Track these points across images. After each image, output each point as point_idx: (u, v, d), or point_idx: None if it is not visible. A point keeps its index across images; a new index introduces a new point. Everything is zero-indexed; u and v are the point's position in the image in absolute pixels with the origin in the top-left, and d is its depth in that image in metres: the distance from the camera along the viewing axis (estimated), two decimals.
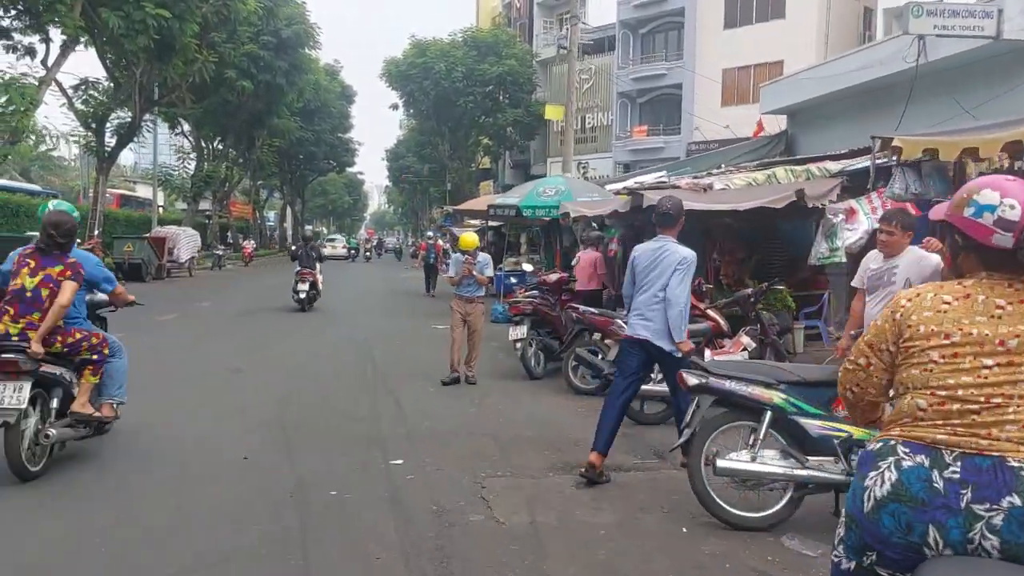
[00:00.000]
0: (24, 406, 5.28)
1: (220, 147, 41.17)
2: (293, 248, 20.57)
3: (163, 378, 9.97)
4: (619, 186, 14.43)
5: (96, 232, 27.12)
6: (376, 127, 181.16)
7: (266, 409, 8.45)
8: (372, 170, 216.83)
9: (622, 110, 41.53)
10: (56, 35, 25.59)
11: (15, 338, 5.47)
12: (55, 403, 5.80)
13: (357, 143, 65.81)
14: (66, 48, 21.60)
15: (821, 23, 35.16)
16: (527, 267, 14.89)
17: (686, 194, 10.58)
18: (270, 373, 10.75)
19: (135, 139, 28.79)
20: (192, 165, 38.54)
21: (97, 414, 6.02)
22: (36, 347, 5.44)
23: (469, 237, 10.26)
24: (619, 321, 9.16)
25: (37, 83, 20.83)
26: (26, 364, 5.36)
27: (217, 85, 35.87)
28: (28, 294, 5.61)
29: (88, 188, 43.76)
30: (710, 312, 9.63)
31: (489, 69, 43.71)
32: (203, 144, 40.21)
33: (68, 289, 5.70)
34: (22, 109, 19.36)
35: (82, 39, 24.65)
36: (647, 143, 39.56)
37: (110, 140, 28.10)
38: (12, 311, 5.57)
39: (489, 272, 10.56)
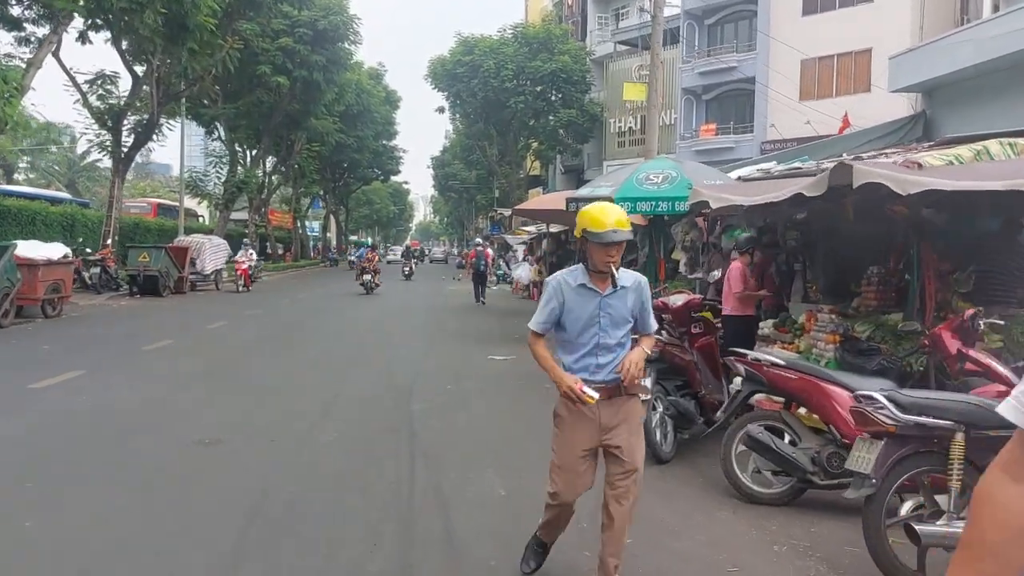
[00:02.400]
0: None
1: (256, 152, 37.79)
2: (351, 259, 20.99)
3: (92, 453, 6.15)
4: (750, 170, 10.38)
5: (109, 241, 23.76)
6: (422, 136, 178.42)
7: (220, 547, 4.54)
8: (418, 180, 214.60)
9: (687, 107, 37.31)
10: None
11: None
12: None
13: (402, 151, 62.44)
14: (58, 25, 18.20)
15: (915, 5, 30.68)
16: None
17: (897, 172, 6.46)
18: (251, 455, 6.85)
19: (154, 138, 25.43)
20: (225, 170, 35.14)
21: None
22: None
23: (608, 211, 4.02)
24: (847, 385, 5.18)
25: (24, 67, 17.45)
26: None
27: (250, 82, 32.72)
28: None
29: (131, 196, 40.99)
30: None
31: (541, 66, 39.93)
32: (237, 148, 36.94)
33: None
34: (6, 96, 15.87)
35: (89, 21, 21.36)
36: (715, 143, 35.29)
37: (127, 139, 24.72)
38: None
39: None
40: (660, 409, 6.73)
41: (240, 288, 26.33)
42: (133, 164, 35.22)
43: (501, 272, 34.33)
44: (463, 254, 53.58)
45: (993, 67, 14.36)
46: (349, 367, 11.72)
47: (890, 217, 8.39)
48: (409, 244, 78.41)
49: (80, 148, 54.53)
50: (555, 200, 15.09)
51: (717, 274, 8.21)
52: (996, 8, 18.08)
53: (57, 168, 60.54)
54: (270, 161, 45.72)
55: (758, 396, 6.40)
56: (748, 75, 34.26)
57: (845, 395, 5.35)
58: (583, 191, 10.28)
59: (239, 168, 35.28)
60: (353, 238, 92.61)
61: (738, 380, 9.95)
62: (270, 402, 8.95)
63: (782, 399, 6.02)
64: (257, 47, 30.38)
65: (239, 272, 26.74)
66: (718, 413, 7.51)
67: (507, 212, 24.64)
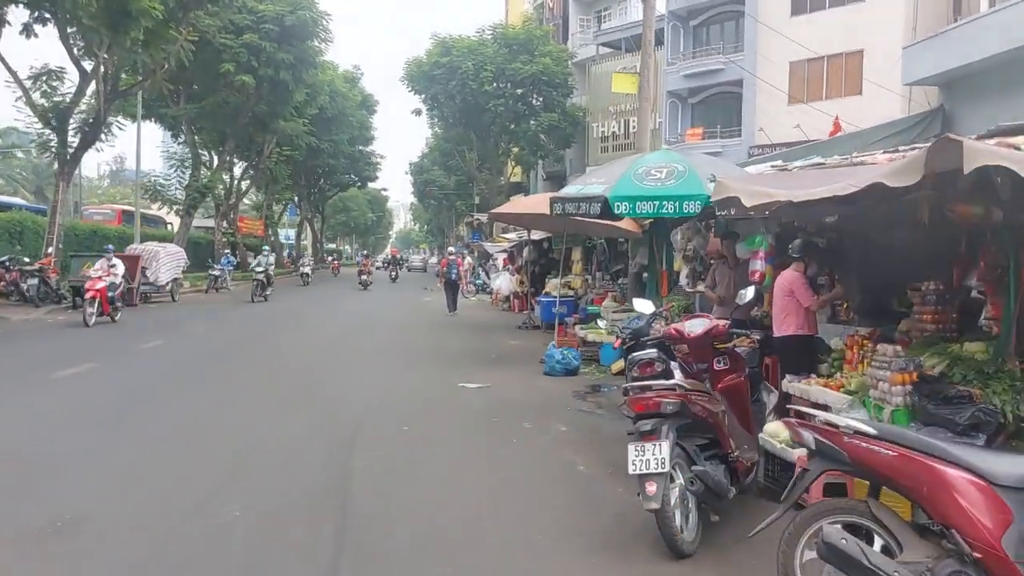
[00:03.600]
0: None
1: (221, 155, 35.63)
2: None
3: None
4: (762, 167, 8.55)
5: (50, 250, 21.62)
6: (402, 141, 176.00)
7: None
8: (397, 187, 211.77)
9: (672, 111, 35.69)
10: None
11: None
12: None
13: (379, 156, 60.45)
14: None
15: (908, 4, 29.31)
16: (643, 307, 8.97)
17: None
18: (114, 547, 4.90)
19: (102, 138, 23.29)
20: (188, 174, 32.98)
21: None
22: None
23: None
24: None
25: None
26: None
27: (214, 81, 30.66)
28: None
29: (100, 203, 38.76)
30: None
31: (521, 68, 38.17)
32: (201, 151, 34.80)
33: None
34: None
35: (35, 14, 19.33)
36: (702, 147, 33.50)
37: (74, 140, 22.59)
38: None
39: None
40: (680, 482, 4.85)
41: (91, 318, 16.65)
42: (109, 170, 33.17)
43: (480, 282, 32.40)
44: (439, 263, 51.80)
45: (1018, 56, 12.68)
46: (286, 401, 9.72)
47: (947, 220, 6.58)
48: (391, 252, 79.25)
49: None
50: (537, 203, 13.25)
51: (749, 295, 6.34)
52: (992, 4, 16.51)
53: (23, 174, 58.01)
54: (239, 166, 43.65)
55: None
56: (735, 77, 32.74)
57: (971, 481, 3.51)
58: (570, 190, 8.44)
59: (203, 172, 33.09)
60: (331, 246, 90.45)
61: (771, 397, 8.19)
62: (168, 455, 6.97)
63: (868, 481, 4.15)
64: (219, 43, 28.36)
65: (91, 294, 16.86)
66: (749, 478, 5.67)
67: (483, 217, 22.70)
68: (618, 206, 7.61)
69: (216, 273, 31.52)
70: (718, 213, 7.53)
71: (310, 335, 17.13)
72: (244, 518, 5.31)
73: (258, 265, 26.93)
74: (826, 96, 29.84)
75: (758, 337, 7.47)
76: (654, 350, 6.55)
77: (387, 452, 7.25)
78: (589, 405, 9.91)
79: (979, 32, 13.69)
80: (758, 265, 8.42)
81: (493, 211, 13.65)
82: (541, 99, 40.08)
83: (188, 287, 31.07)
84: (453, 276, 22.89)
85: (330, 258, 60.11)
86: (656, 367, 6.35)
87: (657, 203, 7.54)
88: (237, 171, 43.53)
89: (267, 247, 30.16)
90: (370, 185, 71.55)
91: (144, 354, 13.44)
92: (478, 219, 23.92)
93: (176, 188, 33.70)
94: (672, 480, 4.78)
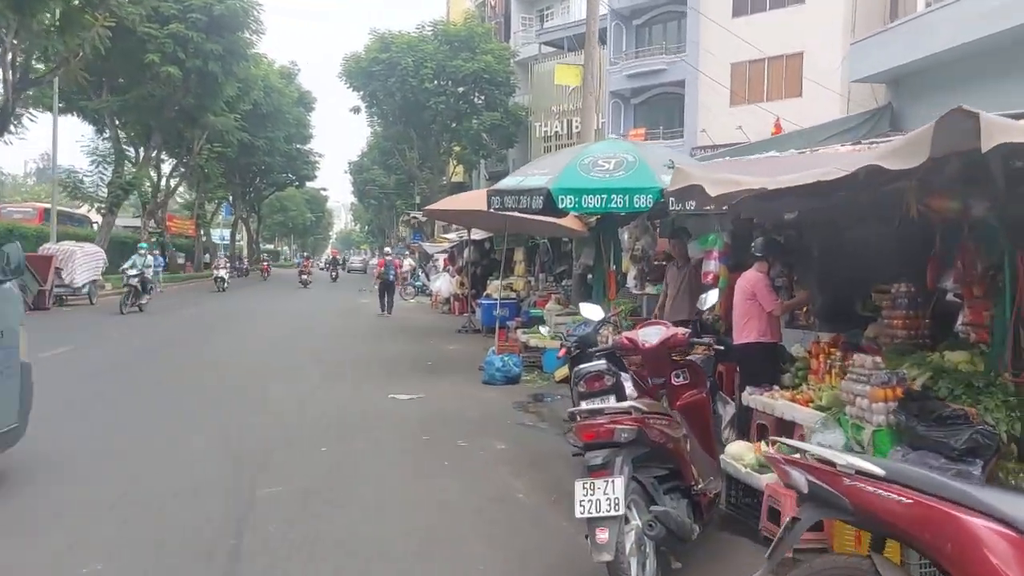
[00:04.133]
0: None
1: (146, 150, 33.84)
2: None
3: None
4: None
5: None
6: (341, 140, 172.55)
7: None
8: (337, 187, 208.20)
9: (615, 111, 35.19)
10: None
11: None
12: None
13: (318, 155, 58.78)
14: None
15: (848, 6, 29.40)
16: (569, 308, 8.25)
17: None
18: None
19: (11, 130, 21.59)
20: (111, 170, 31.18)
21: None
22: None
23: None
24: None
25: None
26: None
27: (138, 73, 29.04)
28: None
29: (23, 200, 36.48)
30: None
31: (463, 66, 37.23)
32: (125, 146, 33.01)
33: None
34: None
35: None
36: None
37: None
38: None
39: None
40: (637, 524, 4.04)
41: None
42: (36, 168, 31.18)
43: (420, 284, 31.39)
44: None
45: (975, 50, 12.32)
46: (190, 420, 8.66)
47: (918, 216, 5.95)
48: (331, 253, 78.41)
49: None
50: (474, 199, 12.42)
51: (711, 299, 5.56)
52: (928, 4, 16.31)
53: None
54: (169, 163, 41.78)
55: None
56: (678, 78, 32.43)
57: (1006, 535, 2.78)
58: (509, 182, 7.59)
59: (128, 168, 31.33)
60: (269, 247, 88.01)
61: (727, 408, 7.46)
62: (36, 483, 5.91)
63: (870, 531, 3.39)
64: (143, 32, 26.79)
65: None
66: (713, 511, 4.93)
67: (420, 215, 21.71)
68: (562, 200, 6.82)
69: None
70: (671, 208, 6.79)
71: (233, 344, 15.97)
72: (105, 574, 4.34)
73: (132, 267, 21.70)
74: (767, 98, 29.67)
75: (718, 346, 6.76)
76: (603, 362, 5.76)
77: (299, 479, 6.30)
78: (531, 417, 9.09)
79: (927, 28, 13.34)
80: (712, 266, 7.73)
81: (429, 208, 12.73)
82: (483, 98, 39.20)
83: (110, 289, 29.34)
84: (391, 277, 22.45)
85: (263, 259, 57.68)
86: (606, 381, 5.56)
87: (605, 197, 6.78)
88: (166, 168, 41.72)
89: (145, 245, 25.57)
90: (309, 185, 69.73)
91: (42, 364, 12.17)
92: (416, 217, 22.91)
93: (99, 185, 31.86)
94: (627, 522, 3.97)
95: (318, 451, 7.25)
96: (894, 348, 6.22)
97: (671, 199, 6.70)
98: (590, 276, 14.54)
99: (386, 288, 22.39)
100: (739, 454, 5.61)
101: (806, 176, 4.07)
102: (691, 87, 31.66)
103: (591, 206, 6.77)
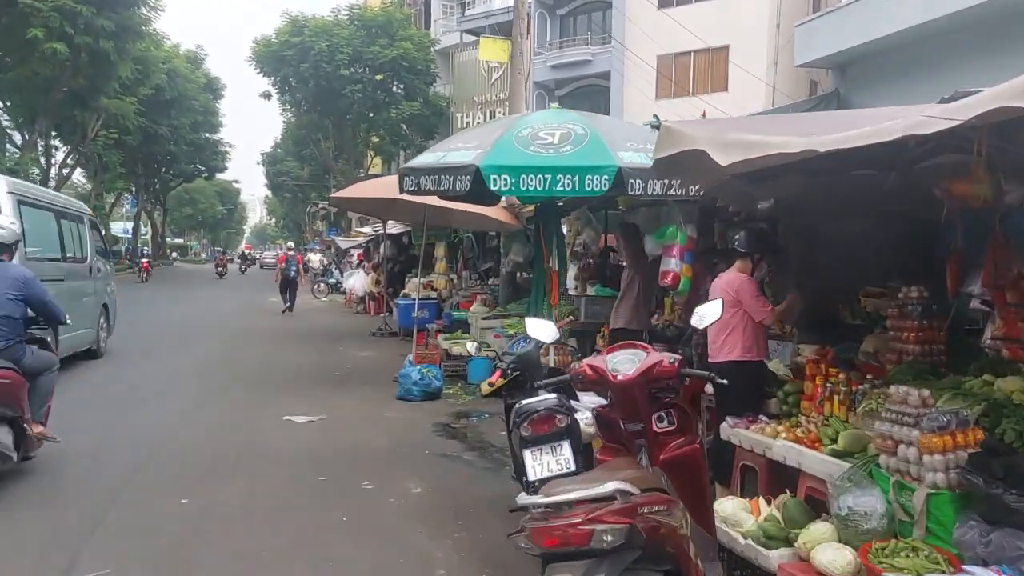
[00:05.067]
0: None
1: (30, 135, 30.66)
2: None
3: None
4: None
5: None
6: (255, 132, 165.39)
7: None
8: (251, 180, 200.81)
9: (539, 103, 33.72)
10: None
11: None
12: None
13: (228, 145, 55.56)
14: None
15: (772, 3, 28.90)
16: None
17: None
18: None
19: None
20: None
21: None
22: None
23: None
24: None
25: None
26: None
27: (21, 50, 26.05)
28: None
29: None
30: None
31: (381, 52, 35.23)
32: (8, 130, 29.83)
33: None
34: None
35: None
36: None
37: None
38: None
39: None
40: None
41: None
42: None
43: (334, 281, 29.37)
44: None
45: (929, 33, 11.34)
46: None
47: (928, 203, 4.71)
48: (244, 248, 75.60)
49: None
50: (388, 185, 10.76)
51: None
52: None
53: None
54: (63, 150, 38.36)
55: None
56: (603, 70, 31.31)
57: None
58: (426, 159, 5.94)
59: (12, 153, 28.24)
60: (178, 241, 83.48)
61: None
62: None
63: None
64: (25, 5, 23.96)
65: None
66: None
67: (325, 205, 19.79)
68: (495, 180, 5.28)
69: None
70: (632, 192, 5.32)
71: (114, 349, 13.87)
72: None
73: None
74: (693, 91, 28.82)
75: (720, 380, 5.37)
76: (552, 396, 4.25)
77: (135, 555, 4.57)
78: (454, 446, 7.50)
79: (885, 5, 12.32)
80: (672, 264, 6.31)
81: (337, 195, 10.96)
82: (402, 86, 37.32)
83: None
84: (292, 274, 21.42)
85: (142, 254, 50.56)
86: (558, 421, 4.05)
87: (549, 177, 5.27)
88: (61, 155, 38.31)
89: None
90: (220, 176, 66.28)
91: None
92: (326, 208, 20.96)
93: None
94: None
95: (174, 503, 5.51)
96: (905, 368, 4.92)
97: (632, 181, 5.24)
98: (521, 275, 13.07)
99: (288, 284, 21.38)
100: (734, 516, 4.18)
101: (885, 130, 2.63)
102: (616, 79, 30.58)
103: (531, 188, 5.25)
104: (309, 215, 41.23)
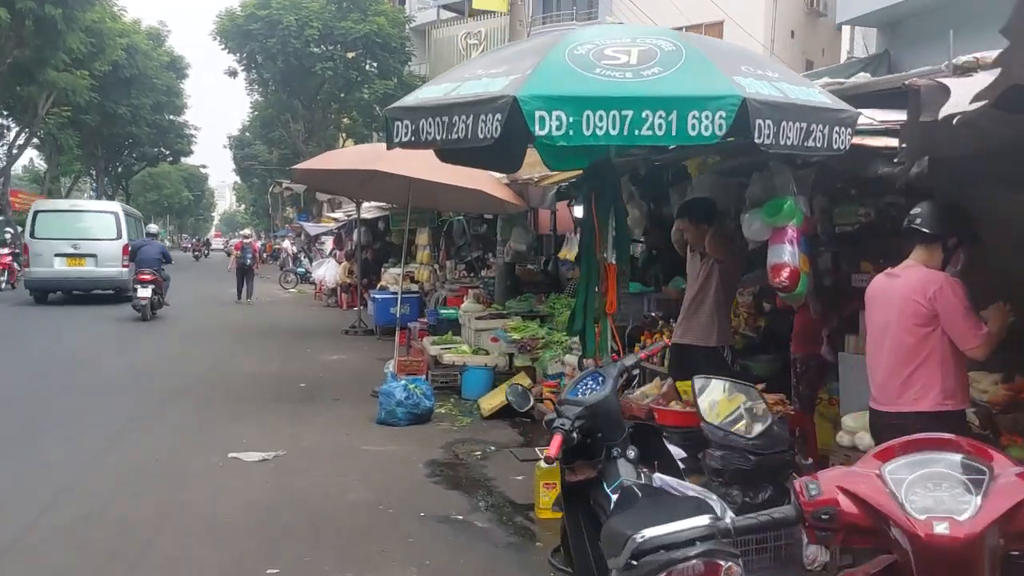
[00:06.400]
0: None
1: None
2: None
3: None
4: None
5: None
6: (222, 115, 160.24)
7: None
8: (219, 165, 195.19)
9: None
10: None
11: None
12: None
13: (193, 127, 52.56)
14: None
15: None
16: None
17: None
18: None
19: None
20: None
21: None
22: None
23: None
24: None
25: None
26: None
27: None
28: None
29: None
30: None
31: (352, 28, 32.78)
32: None
33: None
34: None
35: None
36: None
37: None
38: None
39: None
40: None
41: None
42: None
43: (303, 270, 27.06)
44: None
45: None
46: None
47: None
48: (214, 235, 72.95)
49: None
50: (360, 155, 8.67)
51: None
52: None
53: None
54: (13, 129, 35.46)
55: None
56: None
57: None
58: (429, 93, 3.72)
59: None
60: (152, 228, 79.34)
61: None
62: None
63: None
64: None
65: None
66: None
67: (294, 186, 17.49)
68: (542, 120, 3.20)
69: None
70: (762, 143, 3.28)
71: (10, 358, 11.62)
72: None
73: None
74: None
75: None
76: (689, 494, 2.19)
77: None
78: (457, 501, 5.44)
79: None
80: (785, 254, 4.26)
81: (300, 166, 8.80)
82: (375, 65, 34.96)
83: None
84: (248, 261, 19.84)
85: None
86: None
87: (630, 115, 3.20)
88: (12, 135, 35.41)
89: None
90: (186, 161, 63.13)
91: None
92: (288, 188, 18.71)
93: None
94: None
95: None
96: None
97: (761, 122, 3.20)
98: (525, 267, 11.03)
99: (243, 273, 19.78)
100: None
101: None
102: None
103: (601, 132, 3.21)
104: (272, 196, 38.62)
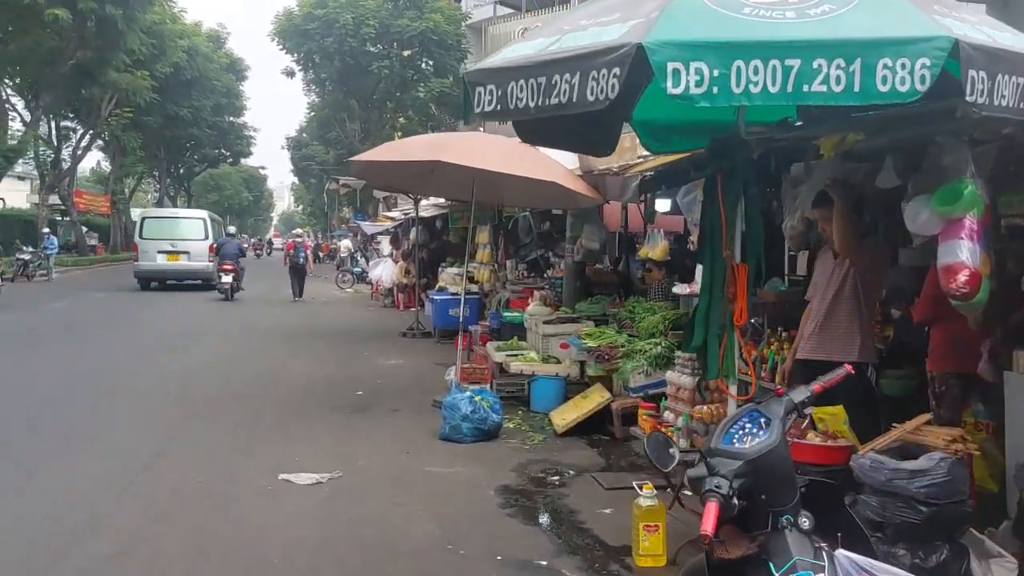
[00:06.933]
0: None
1: (35, 111, 28.12)
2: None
3: None
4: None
5: None
6: (282, 119, 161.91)
7: None
8: (278, 166, 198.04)
9: None
10: None
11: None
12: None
13: (252, 129, 53.01)
14: None
15: None
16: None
17: None
18: None
19: None
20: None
21: None
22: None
23: None
24: None
25: None
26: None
27: (21, 18, 23.58)
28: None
29: None
30: None
31: (409, 25, 32.37)
32: (7, 107, 27.33)
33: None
34: None
35: None
36: None
37: None
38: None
39: None
40: None
41: None
42: None
43: (359, 270, 26.62)
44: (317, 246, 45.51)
45: None
46: None
47: None
48: (273, 236, 74.09)
49: None
50: (424, 146, 7.94)
51: None
52: None
53: None
54: (80, 131, 35.97)
55: None
56: None
57: None
58: (520, 51, 3.01)
59: (6, 132, 25.74)
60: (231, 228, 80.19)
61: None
62: None
63: None
64: None
65: None
66: None
67: (353, 182, 16.89)
68: (676, 74, 2.39)
69: (26, 257, 24.44)
70: (975, 100, 2.45)
71: (61, 361, 11.23)
72: None
73: None
74: None
75: None
76: None
77: None
78: (538, 539, 4.62)
79: None
80: (963, 252, 3.35)
81: (358, 157, 8.12)
82: (431, 63, 34.46)
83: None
84: (301, 260, 19.90)
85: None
86: None
87: (796, 65, 2.38)
88: (77, 138, 35.94)
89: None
90: (245, 162, 63.90)
91: None
92: (345, 184, 18.23)
93: None
94: None
95: None
96: None
97: (974, 74, 2.34)
98: (593, 265, 10.19)
99: (295, 272, 19.91)
100: None
101: None
102: None
103: (756, 87, 2.39)
104: (328, 194, 38.36)
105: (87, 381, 9.04)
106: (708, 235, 3.56)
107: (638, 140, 6.15)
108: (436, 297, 13.53)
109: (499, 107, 2.99)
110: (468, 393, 6.97)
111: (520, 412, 7.76)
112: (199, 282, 22.02)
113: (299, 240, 21.42)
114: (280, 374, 9.74)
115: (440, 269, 16.42)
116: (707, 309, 3.50)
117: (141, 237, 22.30)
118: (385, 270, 19.29)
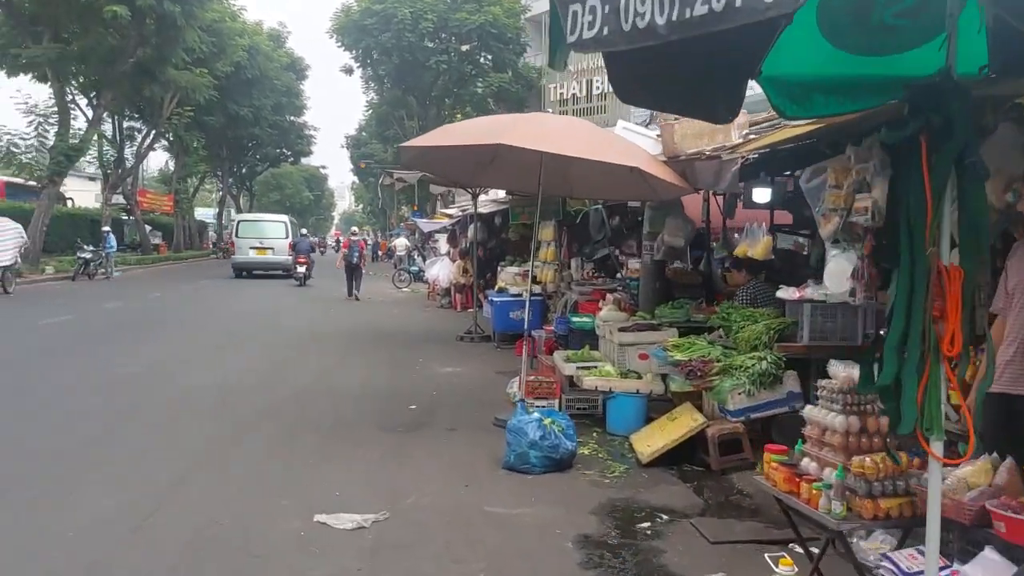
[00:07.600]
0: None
1: (96, 110, 28.03)
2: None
3: None
4: None
5: None
6: (343, 120, 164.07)
7: None
8: (339, 166, 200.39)
9: None
10: None
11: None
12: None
13: (313, 128, 52.90)
14: None
15: None
16: None
17: None
18: None
19: None
20: (53, 133, 25.53)
21: None
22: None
23: None
24: None
25: None
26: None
27: (81, 16, 23.47)
28: None
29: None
30: None
31: (467, 19, 31.49)
32: (70, 103, 27.30)
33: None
34: None
35: None
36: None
37: None
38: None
39: None
40: None
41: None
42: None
43: (416, 269, 25.84)
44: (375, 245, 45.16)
45: None
46: None
47: None
48: (334, 235, 74.56)
49: None
50: (483, 128, 6.95)
51: None
52: None
53: None
54: (143, 130, 36.11)
55: None
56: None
57: None
58: None
59: (69, 130, 25.66)
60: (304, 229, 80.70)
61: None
62: None
63: None
64: None
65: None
66: None
67: (407, 175, 16.00)
68: None
69: (87, 256, 24.30)
70: None
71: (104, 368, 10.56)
72: None
73: None
74: None
75: None
76: None
77: None
78: None
79: None
80: None
81: (409, 143, 7.16)
82: (490, 57, 33.54)
83: (52, 273, 23.94)
84: (355, 260, 19.90)
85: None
86: None
87: None
88: (141, 137, 36.11)
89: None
90: (306, 162, 64.08)
91: None
92: (400, 177, 17.41)
93: (38, 150, 26.31)
94: None
95: None
96: None
97: None
98: (674, 264, 9.07)
99: (351, 271, 19.98)
100: None
101: None
102: None
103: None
104: (383, 188, 37.83)
105: (113, 392, 8.30)
106: (905, 227, 2.44)
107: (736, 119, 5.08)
108: (495, 299, 12.54)
109: (605, 31, 1.96)
110: (536, 415, 5.93)
111: (595, 434, 6.70)
112: (280, 272, 26.52)
113: (355, 239, 21.40)
114: (326, 384, 8.87)
115: (499, 268, 15.44)
116: (904, 332, 2.40)
117: (237, 236, 28.25)
118: (442, 269, 18.41)
